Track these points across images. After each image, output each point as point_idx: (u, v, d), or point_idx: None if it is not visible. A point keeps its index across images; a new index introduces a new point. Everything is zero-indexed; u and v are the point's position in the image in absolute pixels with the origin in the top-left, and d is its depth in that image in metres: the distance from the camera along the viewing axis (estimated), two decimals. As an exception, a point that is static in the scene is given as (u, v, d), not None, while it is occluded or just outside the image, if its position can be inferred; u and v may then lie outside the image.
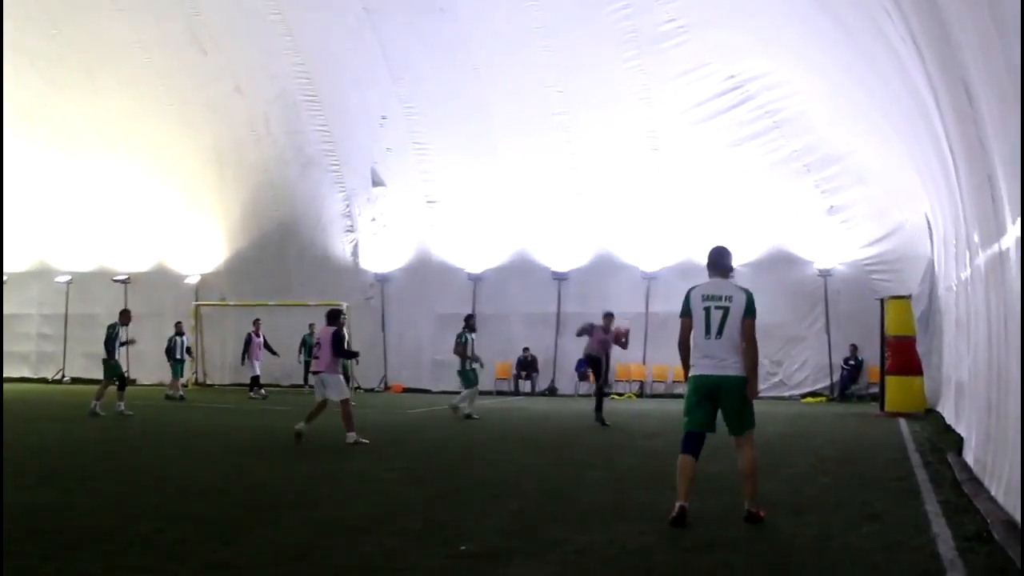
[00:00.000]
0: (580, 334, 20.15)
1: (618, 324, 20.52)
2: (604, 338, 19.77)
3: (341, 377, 15.70)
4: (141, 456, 13.41)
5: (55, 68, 31.72)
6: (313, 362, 15.79)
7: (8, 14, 30.66)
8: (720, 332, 8.31)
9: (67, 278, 34.63)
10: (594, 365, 20.20)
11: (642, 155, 27.64)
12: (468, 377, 20.71)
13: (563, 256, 29.67)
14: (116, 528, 7.95)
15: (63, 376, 34.39)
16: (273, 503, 9.37)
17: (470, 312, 21.64)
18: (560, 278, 29.62)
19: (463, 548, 7.12)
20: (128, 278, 33.65)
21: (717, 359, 8.30)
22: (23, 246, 35.06)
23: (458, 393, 21.16)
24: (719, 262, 8.78)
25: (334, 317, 16.00)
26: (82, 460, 12.78)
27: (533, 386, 29.63)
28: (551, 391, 29.16)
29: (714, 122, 26.66)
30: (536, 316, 29.55)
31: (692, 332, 8.48)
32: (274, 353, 28.04)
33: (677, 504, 8.16)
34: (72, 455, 13.42)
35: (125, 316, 21.80)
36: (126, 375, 22.30)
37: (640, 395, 28.54)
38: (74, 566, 6.57)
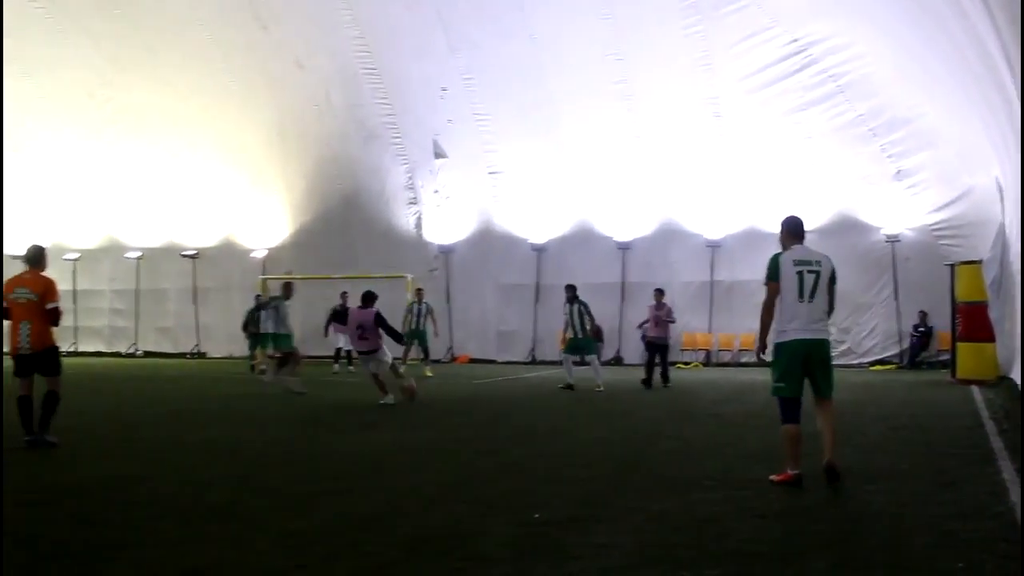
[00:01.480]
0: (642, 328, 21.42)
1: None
2: (657, 314, 20.93)
3: (386, 349, 16.39)
4: (215, 428, 13.62)
5: (118, 48, 32.11)
6: (360, 343, 16.27)
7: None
8: (812, 296, 8.48)
9: (137, 254, 35.17)
10: (660, 350, 21.14)
11: (704, 122, 27.39)
12: (587, 345, 20.88)
13: (626, 225, 29.54)
14: (194, 498, 8.12)
15: (136, 350, 34.98)
16: (347, 473, 9.49)
17: (570, 283, 21.58)
18: (624, 247, 29.51)
19: (536, 516, 7.17)
20: (196, 253, 34.11)
21: (810, 323, 8.47)
22: (93, 223, 35.67)
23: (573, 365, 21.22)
24: (801, 230, 8.94)
25: (370, 299, 16.67)
26: (158, 432, 13.01)
27: (599, 356, 29.57)
28: (617, 361, 29.12)
29: (777, 87, 26.33)
30: (600, 286, 29.40)
31: (779, 297, 8.52)
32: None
33: (794, 472, 8.37)
34: (148, 427, 13.66)
35: (289, 289, 20.95)
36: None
37: (706, 364, 28.41)
38: (156, 535, 6.72)
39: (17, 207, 36.02)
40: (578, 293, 20.82)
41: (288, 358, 19.64)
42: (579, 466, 9.78)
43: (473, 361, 30.33)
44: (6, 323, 11.24)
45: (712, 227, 28.56)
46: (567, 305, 20.75)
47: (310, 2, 29.46)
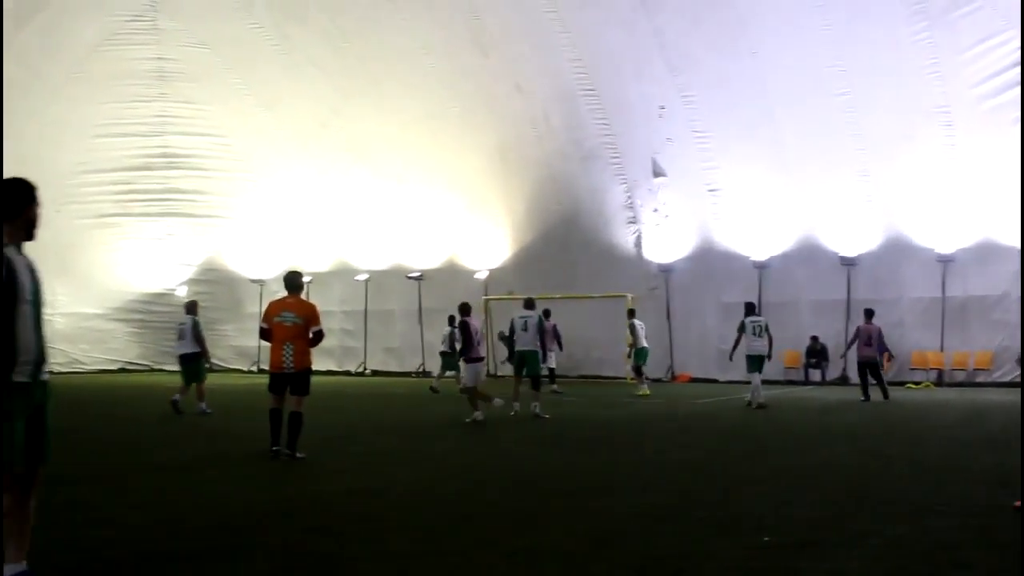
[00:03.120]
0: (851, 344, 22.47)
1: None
2: (868, 329, 21.81)
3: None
4: (442, 444, 13.94)
5: (346, 79, 33.61)
6: (480, 348, 16.84)
7: (303, 31, 32.84)
8: None
9: (365, 276, 36.43)
10: (872, 368, 22.12)
11: (933, 132, 26.37)
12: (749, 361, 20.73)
13: (851, 240, 28.70)
14: (424, 512, 8.34)
15: (365, 369, 36.18)
16: (574, 491, 9.56)
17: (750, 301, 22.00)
18: (849, 263, 28.66)
19: (766, 540, 7.05)
20: (421, 275, 35.07)
21: None
22: (325, 247, 37.18)
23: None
24: None
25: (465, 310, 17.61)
26: (389, 448, 13.41)
27: (823, 375, 28.86)
28: (842, 380, 28.27)
29: (1012, 92, 25.11)
30: (824, 303, 28.76)
31: None
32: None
33: None
34: (380, 443, 14.09)
35: (531, 303, 19.27)
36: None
37: (939, 384, 27.26)
38: (388, 548, 6.95)
39: (255, 234, 38.02)
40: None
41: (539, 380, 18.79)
42: (808, 488, 9.57)
43: (694, 380, 30.05)
44: (266, 343, 12.06)
45: (943, 240, 27.40)
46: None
47: (529, 26, 29.99)
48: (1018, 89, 24.96)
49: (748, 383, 21.16)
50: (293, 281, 12.27)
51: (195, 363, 19.20)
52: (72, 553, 6.62)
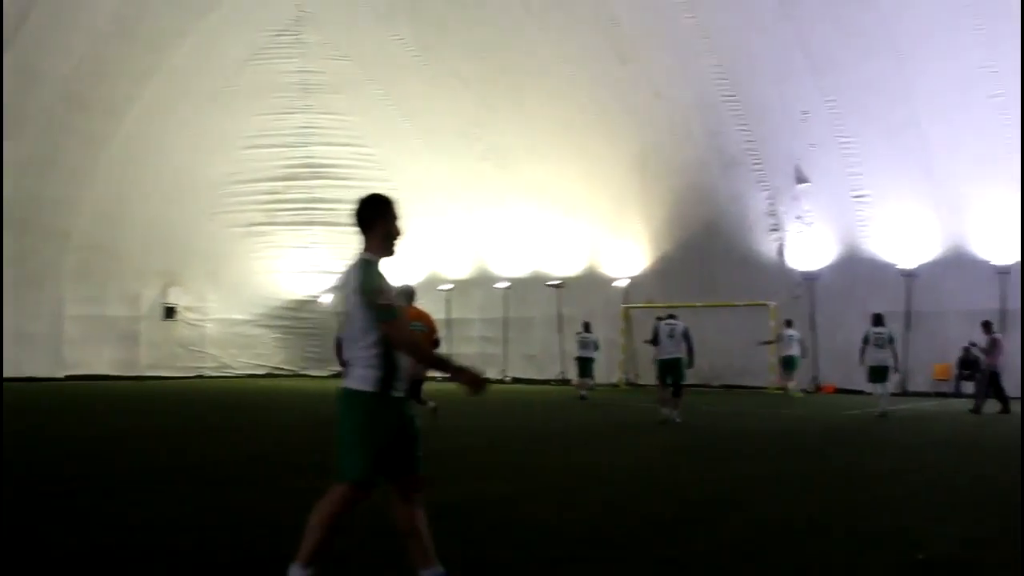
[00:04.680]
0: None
1: None
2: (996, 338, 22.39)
3: None
4: (582, 452, 13.88)
5: (487, 89, 33.92)
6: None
7: (443, 42, 33.29)
8: None
9: (506, 284, 36.67)
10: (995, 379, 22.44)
11: (1097, 131, 25.27)
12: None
13: (1005, 247, 27.65)
14: (566, 520, 8.33)
15: (505, 376, 36.37)
16: (714, 502, 9.45)
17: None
18: (1003, 272, 27.63)
19: (920, 557, 6.82)
20: (561, 283, 35.11)
21: None
22: (466, 256, 37.59)
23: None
24: None
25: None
26: (530, 455, 13.44)
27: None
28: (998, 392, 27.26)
29: None
30: (977, 313, 27.62)
31: None
32: None
33: None
34: (521, 450, 14.15)
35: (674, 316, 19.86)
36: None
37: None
38: (537, 554, 6.96)
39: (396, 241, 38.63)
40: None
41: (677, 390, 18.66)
42: (962, 504, 9.25)
43: (839, 391, 29.36)
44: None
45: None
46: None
47: (668, 33, 29.82)
48: None
49: (891, 394, 20.88)
50: (410, 293, 13.42)
51: None
52: (228, 551, 6.81)
